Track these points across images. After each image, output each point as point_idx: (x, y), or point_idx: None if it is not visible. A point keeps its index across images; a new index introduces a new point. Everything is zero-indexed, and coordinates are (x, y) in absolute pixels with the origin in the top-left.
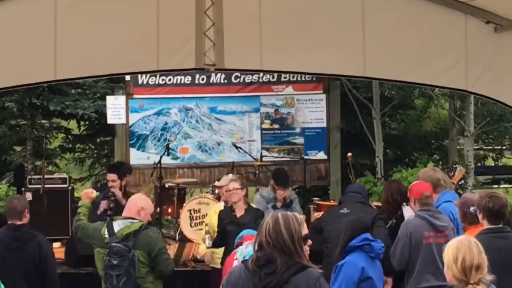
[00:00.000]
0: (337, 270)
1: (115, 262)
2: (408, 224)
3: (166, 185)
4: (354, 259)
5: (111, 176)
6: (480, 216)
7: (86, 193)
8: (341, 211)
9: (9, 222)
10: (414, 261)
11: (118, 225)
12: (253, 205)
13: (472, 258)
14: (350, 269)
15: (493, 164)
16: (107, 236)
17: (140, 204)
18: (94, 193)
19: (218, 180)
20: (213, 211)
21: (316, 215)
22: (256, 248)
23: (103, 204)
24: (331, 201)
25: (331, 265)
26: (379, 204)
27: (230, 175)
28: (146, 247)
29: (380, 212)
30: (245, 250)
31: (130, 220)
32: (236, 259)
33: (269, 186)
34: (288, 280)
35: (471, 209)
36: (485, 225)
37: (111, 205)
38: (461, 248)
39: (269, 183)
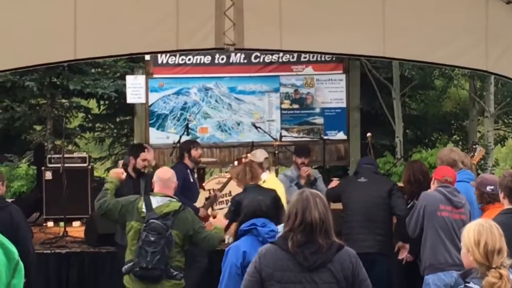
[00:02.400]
0: (225, 255)
1: (152, 239)
2: (425, 195)
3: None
4: (240, 243)
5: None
6: (501, 195)
7: (117, 172)
8: (359, 180)
9: None
10: (426, 233)
11: (156, 201)
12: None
13: (494, 242)
14: (234, 253)
15: None
16: (144, 210)
17: (175, 180)
18: (124, 175)
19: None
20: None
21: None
22: (286, 226)
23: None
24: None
25: (351, 231)
26: (401, 184)
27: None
28: (183, 229)
29: (395, 183)
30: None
31: (169, 198)
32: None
33: (293, 165)
34: (332, 258)
35: (488, 188)
36: (506, 204)
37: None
38: (483, 232)
39: (288, 163)
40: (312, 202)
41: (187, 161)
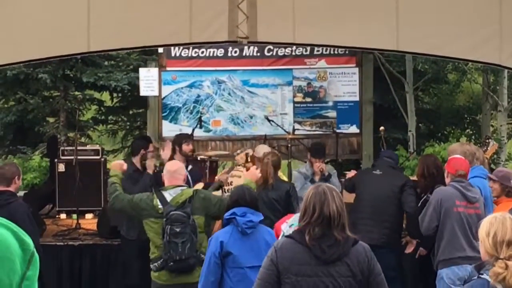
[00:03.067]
0: (208, 244)
1: (178, 230)
2: (440, 191)
3: (198, 158)
4: (219, 233)
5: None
6: None
7: (119, 164)
8: (374, 172)
9: None
10: (442, 229)
11: (169, 194)
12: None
13: (504, 234)
14: (214, 243)
15: None
16: (160, 206)
17: (183, 172)
18: (125, 166)
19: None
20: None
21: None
22: (303, 219)
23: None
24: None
25: (358, 221)
26: (415, 178)
27: (266, 146)
28: (203, 210)
29: (410, 179)
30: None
31: (181, 188)
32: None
33: (307, 162)
34: (348, 252)
35: None
36: None
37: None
38: (494, 223)
39: (301, 157)
40: (329, 195)
41: (177, 155)
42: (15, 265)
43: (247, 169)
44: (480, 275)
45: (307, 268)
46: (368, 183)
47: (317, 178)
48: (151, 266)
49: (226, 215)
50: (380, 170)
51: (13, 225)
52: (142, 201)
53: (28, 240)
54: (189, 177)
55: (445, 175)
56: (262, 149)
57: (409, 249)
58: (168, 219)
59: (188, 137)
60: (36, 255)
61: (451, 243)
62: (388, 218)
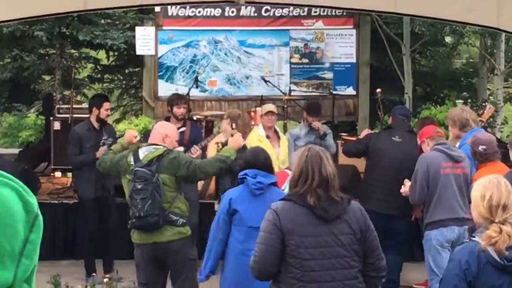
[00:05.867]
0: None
1: (139, 187)
2: (425, 157)
3: (194, 118)
4: (231, 190)
5: (108, 105)
6: (511, 154)
7: (131, 135)
8: (393, 138)
9: None
10: (432, 192)
11: (143, 152)
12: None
13: (499, 197)
14: (224, 199)
15: None
16: (132, 163)
17: (164, 132)
18: (137, 140)
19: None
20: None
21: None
22: (300, 181)
23: (101, 151)
24: (358, 136)
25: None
26: None
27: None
28: (171, 169)
29: None
30: None
31: (154, 146)
32: (284, 190)
33: (302, 121)
34: (346, 210)
35: (480, 148)
36: None
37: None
38: (489, 186)
39: (297, 118)
40: (324, 158)
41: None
42: (18, 229)
43: (232, 135)
44: (472, 238)
45: (309, 228)
46: (387, 151)
47: (313, 136)
48: (128, 225)
49: (240, 174)
50: (399, 137)
51: (18, 184)
52: (121, 158)
53: (32, 200)
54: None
55: (425, 145)
56: (264, 108)
57: (418, 215)
58: (134, 175)
59: (179, 99)
60: (40, 217)
61: (440, 205)
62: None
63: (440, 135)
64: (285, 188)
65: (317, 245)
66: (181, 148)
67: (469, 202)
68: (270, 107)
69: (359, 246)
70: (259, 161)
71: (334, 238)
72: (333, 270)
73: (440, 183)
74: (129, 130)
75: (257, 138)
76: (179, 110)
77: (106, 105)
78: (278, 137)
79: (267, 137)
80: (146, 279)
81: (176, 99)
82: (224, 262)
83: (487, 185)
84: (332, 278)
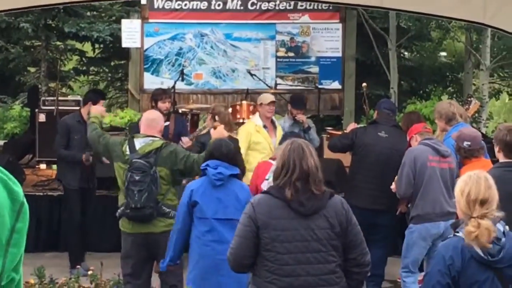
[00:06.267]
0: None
1: (137, 178)
2: (412, 150)
3: (180, 111)
4: (193, 182)
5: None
6: (496, 149)
7: (100, 109)
8: (379, 133)
9: None
10: (418, 185)
11: (139, 143)
12: None
13: (477, 192)
14: (185, 191)
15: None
16: (128, 152)
17: (161, 122)
18: (105, 111)
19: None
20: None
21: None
22: (281, 174)
23: (87, 156)
24: (344, 130)
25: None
26: None
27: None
28: (168, 163)
29: None
30: None
31: (151, 138)
32: (268, 180)
33: (287, 114)
34: (326, 205)
35: (465, 144)
36: (501, 158)
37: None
38: (469, 182)
39: (282, 111)
40: (307, 151)
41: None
42: (4, 218)
43: (214, 128)
44: (456, 233)
45: (285, 222)
46: (374, 146)
47: (297, 129)
48: (116, 213)
49: (202, 166)
50: (385, 132)
51: (2, 172)
52: (115, 144)
53: (18, 189)
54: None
55: (414, 140)
56: (262, 97)
57: (403, 209)
58: (131, 166)
59: (163, 94)
60: (26, 205)
61: (425, 198)
62: (392, 182)
63: (428, 131)
64: (269, 177)
65: (292, 239)
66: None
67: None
68: (271, 97)
69: (338, 241)
70: (221, 152)
71: (311, 232)
72: (308, 265)
73: (426, 176)
74: (94, 107)
75: (254, 128)
76: (164, 105)
77: (101, 102)
78: (275, 127)
79: (264, 127)
80: (132, 269)
81: (160, 93)
82: (189, 254)
83: (467, 180)
84: (306, 272)
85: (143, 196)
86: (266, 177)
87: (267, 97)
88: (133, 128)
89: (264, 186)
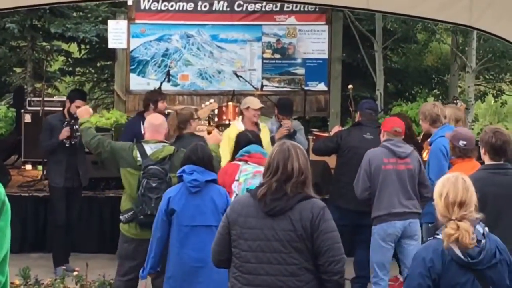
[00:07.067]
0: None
1: (154, 185)
2: (369, 152)
3: (166, 112)
4: (171, 189)
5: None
6: (482, 151)
7: (86, 110)
8: (364, 135)
9: None
10: (374, 188)
11: (150, 148)
12: None
13: (455, 195)
14: (164, 198)
15: (493, 101)
16: (139, 158)
17: (165, 126)
18: (91, 111)
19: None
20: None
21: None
22: (266, 175)
23: (65, 132)
24: (330, 132)
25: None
26: None
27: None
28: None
29: None
30: (251, 181)
31: (162, 144)
32: (238, 180)
33: (274, 117)
34: (292, 206)
35: (461, 143)
36: (487, 160)
37: (76, 134)
38: (446, 184)
39: (268, 113)
40: (293, 152)
41: (150, 112)
42: None
43: (209, 133)
44: (436, 236)
45: (252, 220)
46: (359, 149)
47: (277, 137)
48: (121, 217)
49: (178, 172)
50: (370, 134)
51: None
52: (122, 149)
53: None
54: None
55: (382, 135)
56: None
57: None
58: (146, 172)
59: (161, 94)
60: (8, 203)
61: (379, 201)
62: None
63: (397, 134)
64: (239, 178)
65: (256, 237)
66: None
67: (419, 196)
68: (259, 103)
69: (302, 244)
70: (197, 157)
71: (273, 232)
72: (268, 264)
73: (381, 178)
74: (79, 109)
75: (235, 131)
76: (163, 105)
77: (77, 102)
78: (259, 130)
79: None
80: (130, 269)
81: (159, 94)
82: (166, 261)
83: (444, 183)
84: (265, 272)
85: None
86: (236, 178)
87: (256, 102)
88: (119, 130)
89: (235, 187)
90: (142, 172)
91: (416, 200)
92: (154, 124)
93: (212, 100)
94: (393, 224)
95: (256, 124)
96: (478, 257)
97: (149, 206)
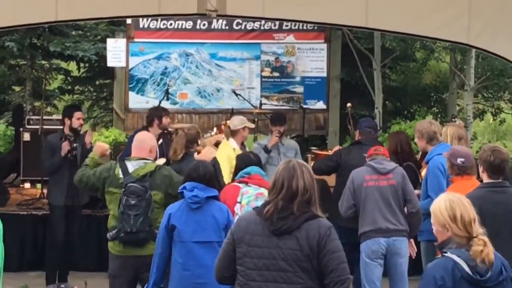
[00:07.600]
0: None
1: (132, 202)
2: (353, 172)
3: (169, 129)
4: (172, 205)
5: (80, 114)
6: (480, 169)
7: (102, 147)
8: (364, 154)
9: None
10: (358, 205)
11: (132, 165)
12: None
13: (468, 214)
14: (165, 214)
15: (491, 119)
16: (121, 176)
17: (151, 143)
18: (108, 151)
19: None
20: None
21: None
22: (271, 193)
23: (65, 146)
24: (329, 150)
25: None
26: None
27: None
28: (163, 187)
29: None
30: (253, 203)
31: (144, 161)
32: (240, 202)
33: (270, 133)
34: (299, 226)
35: (459, 160)
36: (485, 178)
37: (74, 145)
38: (455, 206)
39: (267, 131)
40: (299, 171)
41: (154, 128)
42: None
43: (198, 152)
44: (444, 254)
45: (259, 239)
46: (358, 167)
47: (270, 145)
48: (107, 235)
49: (179, 188)
50: None
51: None
52: (105, 170)
53: None
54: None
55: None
56: (236, 120)
57: None
58: (126, 190)
59: (166, 110)
60: (0, 224)
61: (363, 218)
62: None
63: (377, 153)
64: (241, 200)
65: (262, 256)
66: (163, 160)
67: (404, 212)
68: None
69: (308, 263)
70: (198, 174)
71: (279, 251)
72: (273, 283)
73: (363, 196)
74: (99, 143)
75: (233, 152)
76: (167, 120)
77: (77, 114)
78: (244, 147)
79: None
80: (120, 287)
81: (163, 110)
82: (169, 278)
83: (452, 206)
84: None
85: (139, 221)
86: (238, 200)
87: (248, 123)
88: (118, 148)
89: (237, 209)
90: (123, 189)
91: (401, 216)
92: (138, 139)
93: (215, 129)
94: (377, 241)
95: (243, 144)
96: (486, 274)
97: (128, 223)
